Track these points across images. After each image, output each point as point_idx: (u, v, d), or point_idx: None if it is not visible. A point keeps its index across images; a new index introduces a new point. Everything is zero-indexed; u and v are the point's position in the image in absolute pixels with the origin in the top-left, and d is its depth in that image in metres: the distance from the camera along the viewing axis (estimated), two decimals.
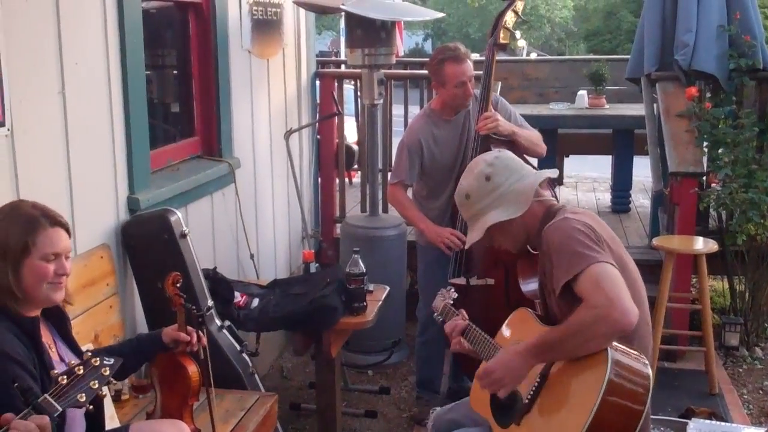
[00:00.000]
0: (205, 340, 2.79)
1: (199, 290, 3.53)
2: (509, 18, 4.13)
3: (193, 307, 2.77)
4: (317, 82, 6.03)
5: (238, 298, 3.89)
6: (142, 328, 3.57)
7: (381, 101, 5.19)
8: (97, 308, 3.25)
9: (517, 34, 4.21)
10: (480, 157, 2.70)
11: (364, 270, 3.80)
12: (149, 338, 2.82)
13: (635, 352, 2.29)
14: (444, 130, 4.19)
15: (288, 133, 4.92)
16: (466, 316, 2.82)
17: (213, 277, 3.87)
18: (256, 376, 3.66)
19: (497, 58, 4.19)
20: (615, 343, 2.25)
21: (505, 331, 2.68)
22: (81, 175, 3.19)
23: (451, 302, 2.97)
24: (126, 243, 3.49)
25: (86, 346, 2.95)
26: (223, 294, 3.82)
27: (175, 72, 4.52)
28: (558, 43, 31.98)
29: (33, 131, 2.90)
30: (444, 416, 2.85)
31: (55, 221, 2.36)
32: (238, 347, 3.61)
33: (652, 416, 3.91)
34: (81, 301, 3.14)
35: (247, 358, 3.63)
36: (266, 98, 5.08)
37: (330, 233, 6.07)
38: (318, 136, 6.05)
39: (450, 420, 2.79)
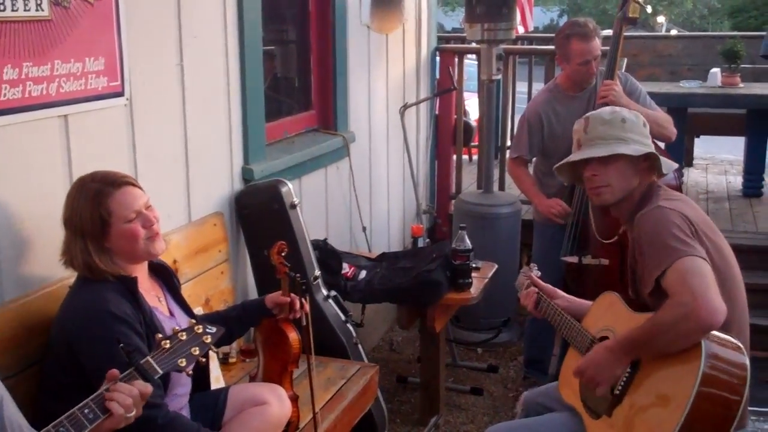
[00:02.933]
0: (307, 307, 2.84)
1: (307, 260, 3.61)
2: None
3: (297, 275, 2.82)
4: (437, 58, 6.02)
5: (346, 269, 3.96)
6: (253, 294, 3.70)
7: (499, 77, 5.14)
8: (208, 273, 3.38)
9: (648, 8, 4.06)
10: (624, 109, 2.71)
11: (470, 246, 3.80)
12: (254, 304, 2.91)
13: (732, 341, 2.21)
14: (567, 106, 4.11)
15: (403, 108, 4.95)
16: (541, 283, 2.80)
17: (323, 247, 3.95)
18: (360, 346, 3.72)
19: (626, 33, 4.07)
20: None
21: (593, 315, 2.63)
22: (197, 145, 3.32)
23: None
24: (239, 212, 3.61)
25: (197, 309, 3.11)
26: (332, 264, 3.90)
27: (293, 47, 4.61)
28: (700, 20, 30.60)
29: (151, 102, 3.03)
30: (534, 399, 2.83)
31: (120, 182, 2.42)
32: (343, 317, 3.68)
33: (758, 408, 3.78)
34: (193, 265, 3.28)
35: (351, 328, 3.70)
36: (384, 73, 5.12)
37: (445, 209, 6.08)
38: (436, 112, 6.04)
39: (540, 404, 2.77)
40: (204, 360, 2.03)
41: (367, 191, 4.98)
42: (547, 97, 4.20)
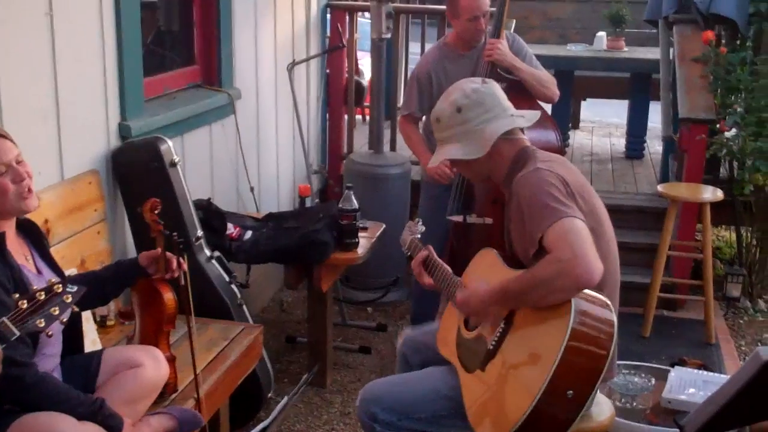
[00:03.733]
0: (185, 266, 2.76)
1: (189, 219, 3.52)
2: None
3: (174, 234, 2.74)
4: (328, 15, 5.92)
5: (231, 229, 3.89)
6: (132, 255, 3.58)
7: (389, 36, 5.09)
8: (84, 234, 3.25)
9: None
10: (463, 83, 2.60)
11: (357, 206, 3.78)
12: (129, 263, 2.81)
13: (600, 298, 2.26)
14: (456, 64, 4.10)
15: (291, 65, 4.86)
16: (432, 251, 2.79)
17: (206, 207, 3.86)
18: (245, 307, 3.66)
19: None
20: None
21: (471, 271, 2.64)
22: (69, 100, 3.16)
23: (419, 236, 2.93)
24: (116, 170, 3.47)
25: (71, 270, 2.99)
26: (216, 225, 3.82)
27: None
28: None
29: (17, 52, 2.87)
30: (414, 337, 2.86)
31: None
32: (227, 278, 3.61)
33: (638, 363, 3.92)
34: (67, 225, 3.15)
35: (235, 289, 3.64)
36: (272, 28, 5.00)
37: (337, 170, 6.02)
38: (327, 71, 5.96)
39: (420, 342, 2.80)
40: (65, 321, 1.94)
41: (254, 150, 4.88)
42: (437, 54, 4.19)
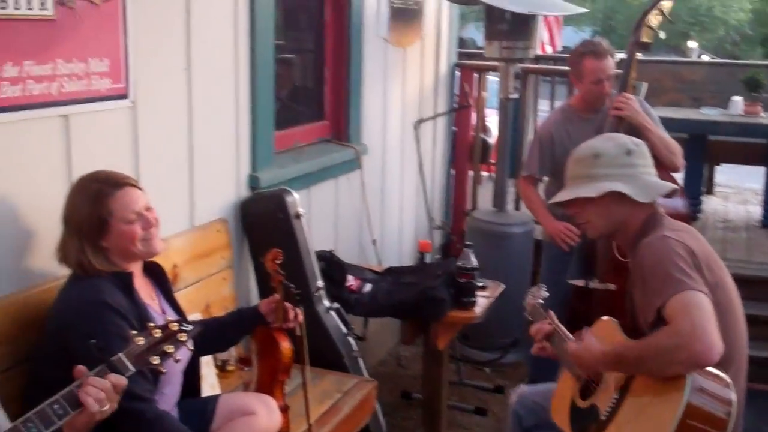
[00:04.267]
0: (301, 317, 2.81)
1: (310, 270, 3.59)
2: (654, 17, 3.97)
3: (292, 285, 2.80)
4: (457, 74, 5.99)
5: (351, 281, 3.93)
6: (255, 302, 3.67)
7: (516, 96, 5.10)
8: (210, 279, 3.37)
9: (662, 34, 4.03)
10: (625, 135, 2.65)
11: (476, 264, 3.76)
12: (249, 311, 2.89)
13: (721, 376, 2.17)
14: (579, 127, 4.06)
15: (418, 123, 4.92)
16: (555, 319, 2.73)
17: (328, 258, 3.92)
18: (360, 360, 3.68)
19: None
20: None
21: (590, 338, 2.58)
22: (202, 151, 3.31)
23: (541, 301, 2.88)
24: (244, 219, 3.59)
25: (195, 315, 3.10)
26: (336, 276, 3.87)
27: (308, 57, 4.60)
28: (732, 47, 30.33)
29: (156, 105, 3.03)
30: (529, 396, 2.82)
31: (121, 183, 2.43)
32: (344, 330, 3.65)
33: None
34: (194, 271, 3.27)
35: (352, 341, 3.67)
36: (400, 87, 5.10)
37: (460, 226, 6.02)
38: (454, 128, 6.02)
39: (536, 403, 2.75)
40: (179, 359, 2.00)
41: (378, 204, 4.95)
42: (560, 117, 4.17)
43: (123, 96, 2.85)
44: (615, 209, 2.50)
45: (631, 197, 2.48)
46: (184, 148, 3.23)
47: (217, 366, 3.34)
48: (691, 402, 2.06)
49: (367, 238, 4.73)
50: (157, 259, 2.75)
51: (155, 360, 1.93)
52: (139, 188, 2.49)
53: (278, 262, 2.83)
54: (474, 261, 3.76)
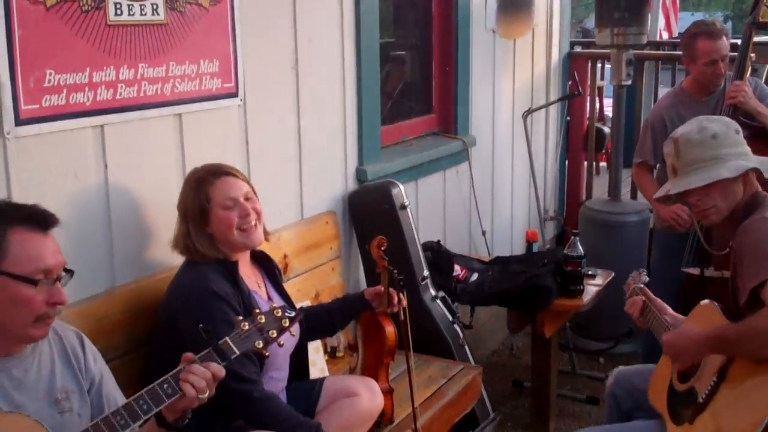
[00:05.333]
0: (405, 302, 2.89)
1: (416, 260, 3.67)
2: None
3: (396, 271, 2.88)
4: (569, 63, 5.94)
5: (458, 271, 3.99)
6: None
7: (629, 82, 5.03)
8: (319, 269, 3.51)
9: None
10: (719, 118, 2.64)
11: (582, 253, 3.76)
12: (355, 297, 3.00)
13: None
14: (692, 110, 3.98)
15: (526, 113, 4.92)
16: (650, 295, 2.72)
17: (435, 249, 4.00)
18: (467, 348, 3.74)
19: (756, 39, 3.93)
20: None
21: (688, 322, 2.56)
22: (310, 146, 3.45)
23: (641, 286, 2.86)
24: (351, 211, 3.71)
25: (305, 302, 3.24)
26: (443, 266, 3.95)
27: (416, 52, 4.68)
28: None
29: (265, 103, 3.18)
30: (627, 376, 2.81)
31: (222, 172, 2.58)
32: (450, 318, 3.71)
33: None
34: (304, 261, 3.41)
35: (458, 329, 3.73)
36: (510, 78, 5.11)
37: (574, 216, 5.98)
38: (568, 118, 5.97)
39: (633, 385, 2.74)
40: (282, 344, 2.12)
41: (488, 196, 4.99)
42: (672, 101, 4.10)
43: (233, 95, 3.01)
44: (735, 190, 2.46)
45: (762, 174, 2.45)
46: (292, 144, 3.37)
47: (326, 352, 3.48)
48: None
49: (476, 229, 4.78)
50: (268, 250, 2.91)
51: (259, 344, 2.05)
52: (242, 179, 2.62)
53: (383, 248, 2.92)
54: (580, 249, 3.76)
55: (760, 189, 2.48)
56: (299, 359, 2.87)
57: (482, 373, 3.57)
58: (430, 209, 4.33)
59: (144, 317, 2.64)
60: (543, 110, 5.51)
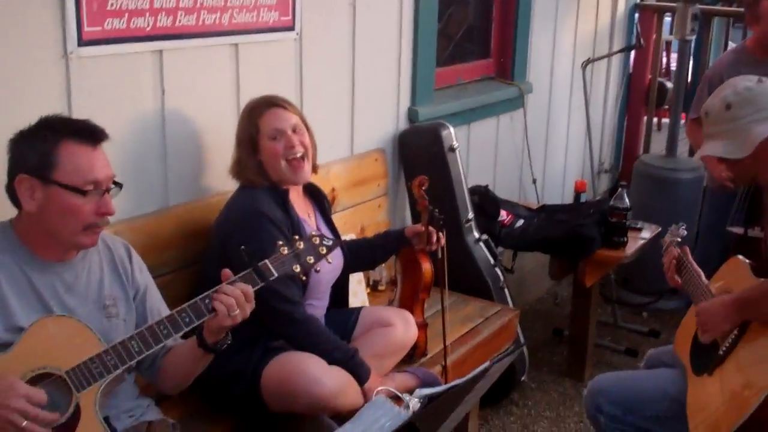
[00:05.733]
0: (443, 241, 2.95)
1: (461, 202, 3.73)
2: None
3: (436, 210, 2.94)
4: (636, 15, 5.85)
5: (504, 216, 4.05)
6: None
7: (693, 37, 4.95)
8: (366, 205, 3.60)
9: None
10: (737, 80, 2.54)
11: (629, 205, 3.78)
12: (396, 233, 3.07)
13: None
14: (753, 69, 3.85)
15: (585, 63, 4.89)
16: (687, 254, 2.73)
17: (483, 193, 4.06)
18: (507, 291, 3.81)
19: None
20: None
21: (717, 278, 2.58)
22: (364, 84, 3.51)
23: (678, 239, 2.87)
24: (401, 151, 3.78)
25: (350, 235, 3.34)
26: (489, 210, 4.01)
27: None
28: None
29: (321, 38, 3.24)
30: (658, 356, 2.83)
31: (272, 103, 2.66)
32: (492, 261, 3.78)
33: None
34: (351, 196, 3.50)
35: (499, 272, 3.79)
36: (572, 27, 5.07)
37: (631, 171, 5.94)
38: (630, 71, 5.90)
39: (661, 362, 2.76)
40: (318, 270, 2.21)
41: (542, 144, 5.00)
42: (733, 58, 4.03)
43: (290, 28, 3.08)
44: (738, 162, 2.45)
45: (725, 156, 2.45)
46: (346, 81, 3.43)
47: (369, 285, 3.58)
48: None
49: (527, 177, 4.81)
50: (317, 182, 3.01)
51: (297, 268, 2.15)
52: (292, 111, 2.69)
53: (424, 187, 2.98)
54: (627, 201, 3.78)
55: None
56: (340, 289, 2.98)
57: (523, 319, 3.63)
58: (481, 154, 4.37)
59: (195, 237, 2.76)
60: (605, 62, 5.46)
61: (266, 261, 2.12)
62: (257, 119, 2.64)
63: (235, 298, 2.02)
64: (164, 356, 2.24)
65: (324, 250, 2.21)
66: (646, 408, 2.49)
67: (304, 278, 2.22)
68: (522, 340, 3.83)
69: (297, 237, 2.20)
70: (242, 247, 2.13)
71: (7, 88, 2.23)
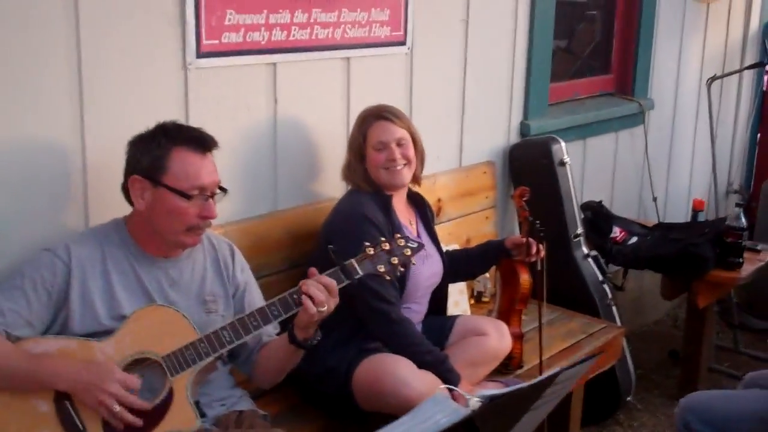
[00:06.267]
0: (543, 253, 2.97)
1: (570, 216, 3.72)
2: None
3: (537, 222, 2.96)
4: None
5: (617, 233, 4.01)
6: None
7: None
8: (473, 216, 3.65)
9: None
10: None
11: (745, 225, 3.68)
12: (496, 244, 3.11)
13: None
14: None
15: (711, 80, 4.78)
16: None
17: (596, 209, 4.04)
18: (614, 308, 3.77)
19: None
20: None
21: None
22: (474, 98, 3.58)
23: None
24: (511, 164, 3.81)
25: (453, 245, 3.40)
26: (601, 226, 3.99)
27: (601, 10, 4.64)
28: None
29: (432, 53, 3.34)
30: (754, 379, 2.76)
31: (380, 116, 2.76)
32: (600, 277, 3.75)
33: None
34: (458, 207, 3.57)
35: (607, 289, 3.76)
36: (700, 43, 4.97)
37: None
38: (764, 89, 5.70)
39: (756, 384, 2.69)
40: (402, 269, 2.28)
41: (664, 161, 4.91)
42: None
43: (401, 43, 3.19)
44: None
45: None
46: (456, 94, 3.51)
47: (473, 296, 3.63)
48: None
49: (648, 195, 4.73)
50: (423, 193, 3.10)
51: (381, 268, 2.23)
52: (398, 124, 2.78)
53: (525, 198, 3.02)
54: (743, 221, 3.68)
55: None
56: (439, 297, 3.05)
57: (639, 340, 3.58)
58: (597, 169, 4.35)
59: (302, 240, 2.89)
60: (735, 80, 5.32)
61: (352, 260, 2.21)
62: (366, 129, 2.77)
63: (319, 290, 2.12)
64: (259, 351, 2.37)
65: (409, 252, 2.27)
66: (734, 428, 2.44)
67: (389, 278, 2.29)
68: (629, 358, 3.79)
69: (383, 239, 2.28)
70: (330, 246, 2.24)
71: (132, 94, 2.43)
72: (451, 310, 3.29)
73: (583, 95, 4.36)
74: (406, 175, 2.81)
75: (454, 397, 2.14)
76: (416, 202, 3.01)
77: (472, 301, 3.61)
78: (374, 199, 2.77)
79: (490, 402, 1.63)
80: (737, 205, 3.79)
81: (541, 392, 1.88)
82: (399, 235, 2.30)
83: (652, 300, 4.95)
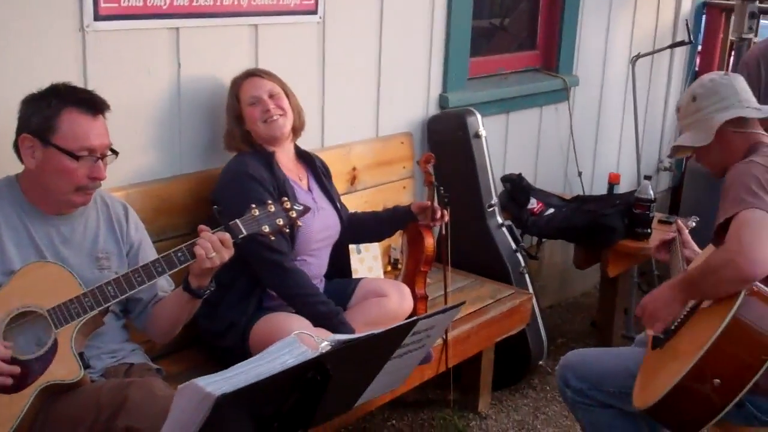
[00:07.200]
0: (447, 218, 3.07)
1: (485, 187, 3.81)
2: None
3: (441, 187, 3.06)
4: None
5: (534, 204, 4.12)
6: None
7: (750, 36, 4.88)
8: (390, 185, 3.74)
9: None
10: (709, 75, 2.63)
11: (652, 197, 3.79)
12: (403, 209, 3.18)
13: None
14: None
15: (634, 58, 4.88)
16: (684, 232, 2.77)
17: (515, 181, 4.14)
18: (527, 276, 3.87)
19: None
20: (761, 286, 2.15)
21: (695, 261, 2.61)
22: (391, 69, 3.65)
23: (692, 225, 2.91)
24: (430, 136, 3.89)
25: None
26: (519, 198, 4.09)
27: None
28: None
29: (345, 23, 3.40)
30: (642, 339, 2.87)
31: (249, 74, 2.88)
32: (514, 246, 3.85)
33: None
34: (374, 176, 3.66)
35: (520, 257, 3.86)
36: (629, 22, 5.06)
37: None
38: (696, 69, 5.82)
39: (643, 344, 2.80)
40: (287, 231, 2.36)
41: (591, 137, 5.01)
42: None
43: (312, 12, 3.25)
44: (705, 152, 2.56)
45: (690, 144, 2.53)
46: (372, 66, 3.58)
47: (390, 263, 3.72)
48: (737, 316, 2.10)
49: (573, 169, 4.83)
50: (336, 160, 3.21)
51: (265, 228, 2.29)
52: (267, 78, 2.88)
53: (430, 164, 3.10)
54: (651, 193, 3.80)
55: (761, 140, 2.47)
56: (340, 256, 3.14)
57: (565, 311, 3.67)
58: (520, 143, 4.44)
59: (206, 203, 2.89)
60: (666, 60, 5.42)
61: (236, 220, 2.28)
62: (238, 89, 2.87)
63: (212, 243, 2.20)
64: (155, 305, 2.44)
65: (293, 214, 2.33)
66: (610, 384, 2.54)
67: (273, 239, 2.35)
68: (540, 324, 3.90)
69: (269, 202, 2.34)
70: (215, 207, 2.31)
71: (29, 56, 2.48)
72: (366, 275, 3.38)
73: (508, 70, 4.44)
74: (284, 124, 2.89)
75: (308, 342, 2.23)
76: (306, 159, 3.08)
77: (389, 268, 3.70)
78: (256, 157, 2.85)
79: (343, 346, 1.71)
80: (646, 177, 3.90)
81: (399, 340, 1.96)
82: (285, 199, 2.36)
83: (579, 272, 5.06)
